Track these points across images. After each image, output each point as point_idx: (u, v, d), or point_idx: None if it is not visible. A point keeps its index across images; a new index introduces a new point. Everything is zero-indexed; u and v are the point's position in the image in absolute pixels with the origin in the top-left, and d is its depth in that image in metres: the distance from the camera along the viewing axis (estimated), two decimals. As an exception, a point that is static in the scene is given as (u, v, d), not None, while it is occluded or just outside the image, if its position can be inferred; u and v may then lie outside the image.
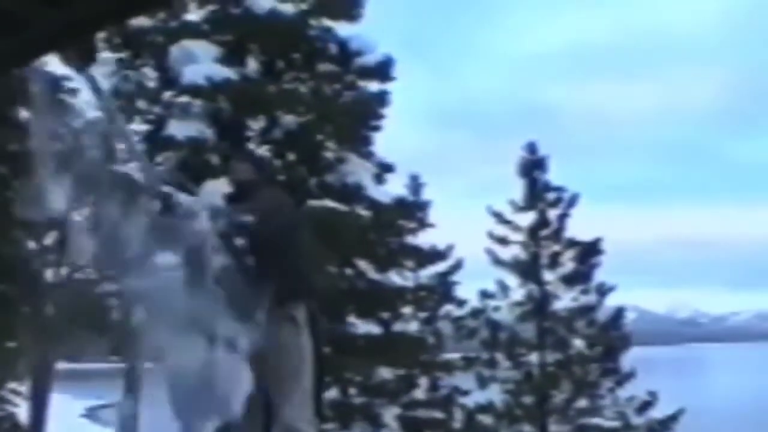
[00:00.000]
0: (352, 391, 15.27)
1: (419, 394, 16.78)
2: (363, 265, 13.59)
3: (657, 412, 22.67)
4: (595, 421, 22.49)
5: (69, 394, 51.81)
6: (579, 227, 23.78)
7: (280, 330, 5.48)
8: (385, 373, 15.44)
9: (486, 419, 21.90)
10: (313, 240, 11.52)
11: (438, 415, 16.96)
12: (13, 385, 21.58)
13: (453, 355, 21.16)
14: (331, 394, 15.08)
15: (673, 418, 22.62)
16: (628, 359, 23.75)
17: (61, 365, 25.20)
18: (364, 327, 13.69)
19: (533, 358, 22.83)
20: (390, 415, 15.67)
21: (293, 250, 5.57)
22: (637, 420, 22.53)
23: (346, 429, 14.37)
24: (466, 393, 19.95)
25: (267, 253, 5.38)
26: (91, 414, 53.18)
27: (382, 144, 14.78)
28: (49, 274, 17.33)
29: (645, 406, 22.60)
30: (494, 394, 22.56)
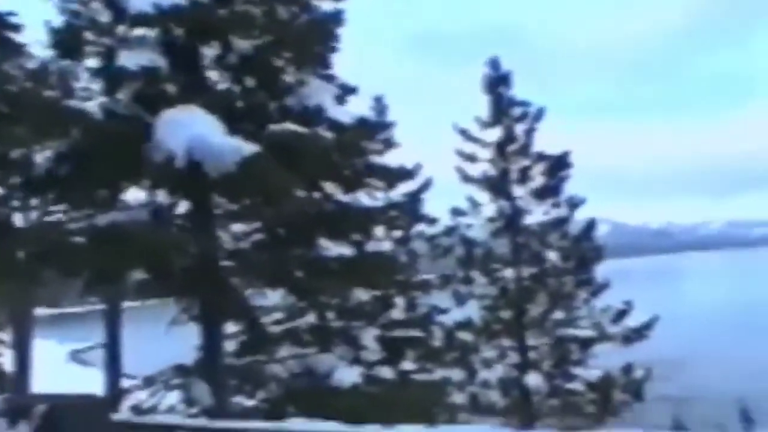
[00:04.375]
0: (330, 315, 15.28)
1: (397, 314, 16.83)
2: (330, 187, 13.47)
3: (632, 321, 22.93)
4: (572, 332, 22.72)
5: (53, 339, 52.22)
6: (550, 144, 23.84)
7: None
8: (362, 295, 15.45)
9: (465, 336, 22.08)
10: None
11: (417, 333, 17.01)
12: (-6, 334, 21.62)
13: (429, 276, 21.24)
14: (309, 319, 15.10)
15: (647, 325, 22.89)
16: (603, 271, 23.95)
17: (42, 311, 25.11)
18: (337, 250, 13.59)
19: (508, 273, 22.98)
20: (369, 336, 15.72)
21: None
22: (613, 329, 22.78)
23: (326, 352, 14.38)
24: (444, 311, 20.05)
25: None
26: (76, 356, 53.57)
27: (346, 69, 14.58)
28: (17, 219, 17.18)
29: (620, 316, 22.84)
30: (472, 311, 22.74)
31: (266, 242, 13.11)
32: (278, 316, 15.29)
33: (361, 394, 13.29)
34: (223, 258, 12.77)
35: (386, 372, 15.04)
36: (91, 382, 19.82)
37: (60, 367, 41.61)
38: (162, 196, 12.46)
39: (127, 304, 19.51)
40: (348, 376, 13.57)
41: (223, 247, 12.90)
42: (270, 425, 5.99)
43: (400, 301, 16.93)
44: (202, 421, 8.27)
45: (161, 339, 15.00)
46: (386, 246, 16.68)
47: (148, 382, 14.43)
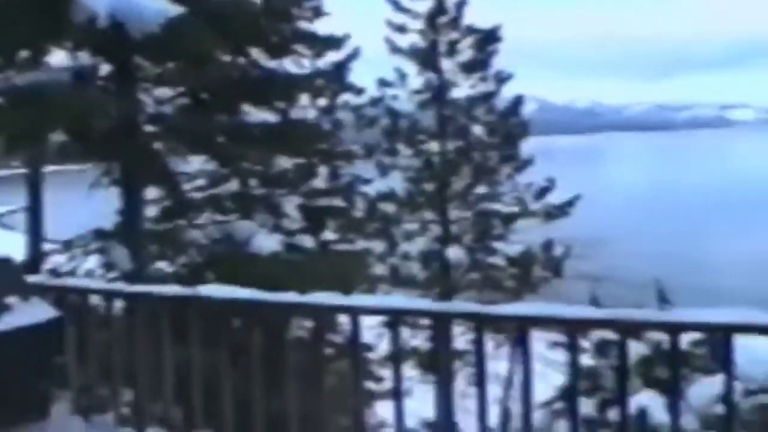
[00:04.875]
0: (252, 182, 15.20)
1: (319, 183, 16.80)
2: (256, 53, 13.25)
3: (555, 198, 23.32)
4: (495, 206, 23.04)
5: (-23, 203, 51.52)
6: (480, 18, 23.74)
7: None
8: (285, 162, 15.37)
9: (388, 207, 22.27)
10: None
11: (339, 203, 17.02)
12: None
13: (353, 146, 21.20)
14: (232, 186, 15.02)
15: (569, 203, 23.31)
16: (528, 148, 24.22)
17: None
18: (261, 116, 13.47)
19: (433, 145, 23.13)
20: (291, 204, 15.70)
21: None
22: (535, 205, 23.17)
23: (247, 219, 14.34)
24: (367, 182, 20.08)
25: None
26: (-1, 220, 52.88)
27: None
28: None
29: (543, 192, 23.21)
30: (395, 182, 22.90)
31: (189, 107, 12.93)
32: (200, 182, 15.17)
33: (281, 261, 13.35)
34: (146, 122, 12.59)
35: (307, 241, 15.06)
36: (14, 245, 19.61)
37: (-19, 231, 41.05)
38: (84, 58, 12.15)
39: (49, 168, 19.20)
40: (268, 243, 13.59)
41: (146, 111, 12.69)
42: (185, 290, 6.01)
43: (323, 170, 16.87)
44: (118, 285, 8.24)
45: (84, 204, 14.85)
46: (311, 114, 16.53)
47: (67, 246, 14.32)
